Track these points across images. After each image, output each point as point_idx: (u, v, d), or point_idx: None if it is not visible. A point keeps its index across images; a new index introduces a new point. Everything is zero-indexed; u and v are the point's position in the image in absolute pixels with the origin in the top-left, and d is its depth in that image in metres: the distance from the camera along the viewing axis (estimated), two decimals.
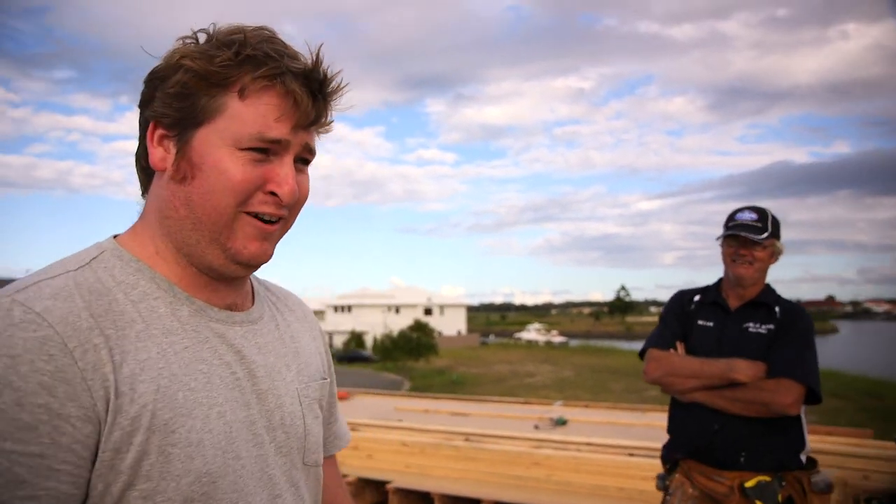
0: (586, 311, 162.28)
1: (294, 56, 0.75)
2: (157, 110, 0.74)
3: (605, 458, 5.29)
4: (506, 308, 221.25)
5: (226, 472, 0.71)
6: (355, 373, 35.16)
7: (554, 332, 78.50)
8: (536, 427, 7.34)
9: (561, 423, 7.70)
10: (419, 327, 42.16)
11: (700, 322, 2.16)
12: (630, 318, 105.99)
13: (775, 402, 1.92)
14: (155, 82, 0.75)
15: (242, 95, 0.72)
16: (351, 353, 45.57)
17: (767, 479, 1.95)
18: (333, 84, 0.77)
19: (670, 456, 2.16)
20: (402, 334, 39.77)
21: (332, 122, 0.81)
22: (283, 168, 0.74)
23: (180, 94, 0.72)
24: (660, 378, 2.14)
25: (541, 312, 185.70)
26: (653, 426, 7.32)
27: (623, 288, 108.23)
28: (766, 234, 2.09)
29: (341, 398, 10.29)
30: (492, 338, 76.21)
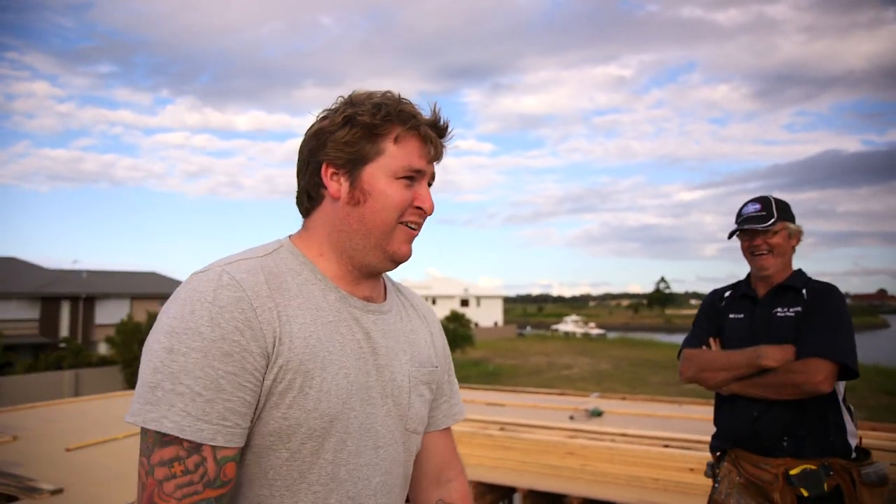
0: (625, 303, 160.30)
1: (419, 112, 1.05)
2: (330, 154, 1.02)
3: (641, 448, 5.28)
4: (543, 300, 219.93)
5: (340, 416, 0.95)
6: None
7: (592, 324, 77.77)
8: (571, 418, 7.35)
9: (596, 414, 7.69)
10: (456, 318, 42.25)
11: (731, 316, 2.18)
12: (670, 311, 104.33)
13: (806, 382, 1.91)
14: (325, 135, 1.03)
15: (397, 141, 1.02)
16: None
17: (813, 467, 1.94)
18: (449, 129, 1.08)
19: (718, 446, 2.19)
20: None
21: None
22: (424, 189, 1.05)
23: (351, 142, 1.01)
24: (693, 376, 2.16)
25: (578, 304, 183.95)
26: (690, 418, 7.26)
27: (663, 280, 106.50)
28: (772, 221, 2.09)
29: None
30: (529, 329, 75.92)
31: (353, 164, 1.01)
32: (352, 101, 1.04)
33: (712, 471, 2.18)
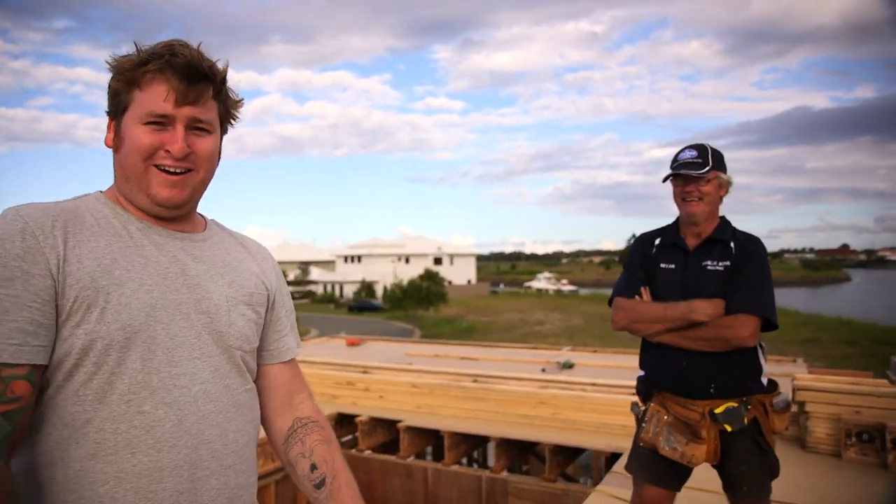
0: (597, 260, 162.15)
1: (181, 53, 1.02)
2: (107, 106, 1.07)
3: (610, 397, 5.45)
4: (516, 257, 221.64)
5: (145, 328, 0.99)
6: (366, 322, 35.65)
7: (564, 281, 78.77)
8: (543, 370, 7.53)
9: (568, 366, 7.88)
10: (429, 276, 42.44)
11: (662, 265, 2.25)
12: None
13: (735, 337, 2.04)
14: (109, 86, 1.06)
15: (142, 87, 1.02)
16: (361, 303, 46.06)
17: (735, 404, 2.10)
18: (212, 69, 1.05)
19: (646, 389, 2.29)
20: (412, 283, 40.01)
21: (238, 100, 1.12)
22: (174, 133, 1.03)
23: (114, 92, 1.04)
24: (626, 325, 2.25)
25: (551, 261, 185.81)
26: None
27: (634, 236, 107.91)
28: (707, 169, 2.14)
29: (353, 344, 10.52)
30: (502, 287, 76.66)
31: (116, 114, 1.05)
32: (139, 47, 1.05)
33: (639, 411, 2.29)
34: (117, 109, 1.05)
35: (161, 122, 1.02)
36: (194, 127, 1.05)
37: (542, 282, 75.23)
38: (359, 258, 62.97)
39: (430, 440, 5.96)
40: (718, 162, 2.19)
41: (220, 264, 1.13)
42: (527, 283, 77.31)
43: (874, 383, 4.78)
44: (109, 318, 0.96)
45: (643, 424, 2.23)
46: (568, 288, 69.65)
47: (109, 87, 1.06)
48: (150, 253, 1.04)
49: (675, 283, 2.19)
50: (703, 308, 2.08)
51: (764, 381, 2.16)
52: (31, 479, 0.95)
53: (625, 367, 7.85)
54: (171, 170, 1.04)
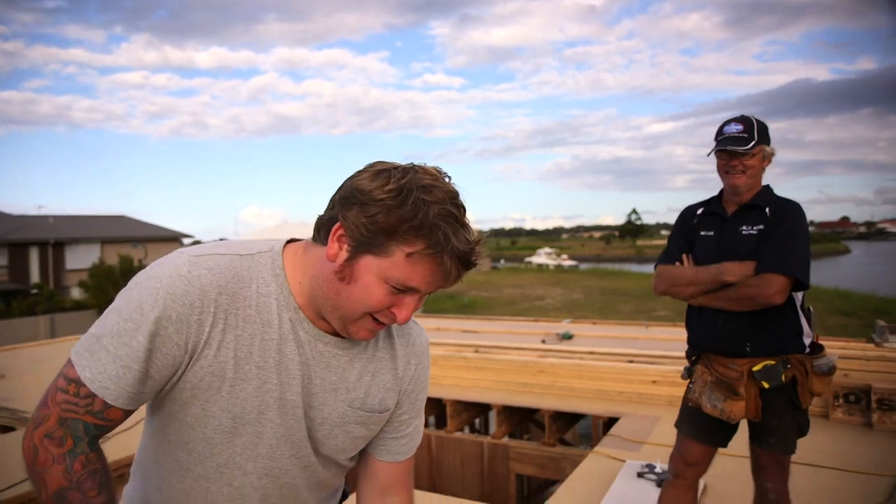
0: (597, 235, 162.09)
1: (460, 234, 0.93)
2: (348, 220, 0.95)
3: (607, 364, 5.60)
4: (516, 233, 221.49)
5: (254, 423, 1.04)
6: None
7: (564, 256, 78.78)
8: (543, 341, 7.68)
9: (567, 337, 8.03)
10: None
11: (702, 233, 2.35)
12: (641, 242, 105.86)
13: (760, 295, 2.12)
14: (359, 197, 0.94)
15: (409, 257, 0.93)
16: None
17: (772, 362, 2.19)
18: (477, 259, 0.97)
19: (691, 352, 2.43)
20: None
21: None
22: (410, 303, 0.98)
23: (370, 227, 0.93)
24: (665, 290, 2.37)
25: (551, 237, 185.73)
26: (655, 339, 7.65)
27: (634, 211, 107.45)
28: (752, 143, 2.21)
29: None
30: (502, 263, 76.67)
31: (358, 244, 0.95)
32: (410, 185, 0.92)
33: (688, 373, 2.43)
34: (366, 243, 0.94)
35: (404, 290, 0.97)
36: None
37: (543, 257, 75.24)
38: None
39: (433, 409, 6.13)
40: (763, 135, 2.25)
41: (350, 379, 1.10)
42: (527, 259, 77.31)
43: (862, 347, 4.94)
44: (224, 405, 1.01)
45: (691, 385, 2.36)
46: (568, 263, 69.68)
47: (370, 213, 0.93)
48: (289, 350, 1.04)
49: (713, 249, 2.29)
50: (733, 269, 2.18)
51: (806, 341, 2.23)
52: (147, 485, 1.13)
53: (622, 337, 8.02)
54: (383, 322, 1.01)
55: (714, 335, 2.28)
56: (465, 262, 0.95)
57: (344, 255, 0.96)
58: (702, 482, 3.42)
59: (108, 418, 0.99)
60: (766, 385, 2.18)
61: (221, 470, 1.07)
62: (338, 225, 0.97)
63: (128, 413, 1.00)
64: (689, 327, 2.42)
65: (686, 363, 2.48)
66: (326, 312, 1.02)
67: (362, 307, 0.98)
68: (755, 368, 2.19)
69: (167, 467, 1.09)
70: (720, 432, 2.32)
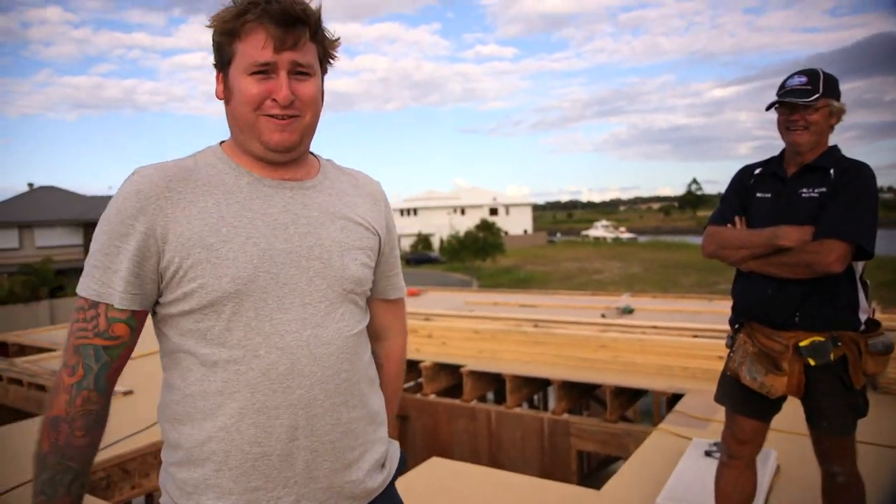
0: (656, 206, 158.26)
1: (276, 0, 1.06)
2: (214, 59, 1.13)
3: (670, 339, 5.46)
4: (572, 206, 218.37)
5: (255, 279, 1.08)
6: (424, 274, 36.05)
7: (622, 228, 77.40)
8: (603, 315, 7.55)
9: (627, 311, 7.88)
10: (486, 227, 42.41)
11: (759, 194, 2.20)
12: (701, 213, 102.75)
13: (818, 262, 1.96)
14: (213, 38, 1.12)
15: (241, 38, 1.08)
16: (419, 255, 46.53)
17: (822, 338, 2.03)
18: (306, 12, 1.08)
19: (735, 319, 2.30)
20: (468, 234, 40.09)
21: (334, 40, 1.17)
22: (278, 81, 1.09)
23: (218, 46, 1.11)
24: (714, 252, 2.23)
25: (608, 209, 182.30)
26: (719, 313, 7.41)
27: (695, 181, 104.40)
28: (816, 96, 2.03)
29: (412, 294, 10.75)
30: (559, 236, 75.92)
31: (222, 67, 1.12)
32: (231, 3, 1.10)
33: (731, 341, 2.31)
34: (223, 62, 1.11)
35: (265, 70, 1.08)
36: (296, 72, 1.10)
37: (600, 230, 74.14)
38: (415, 211, 63.32)
39: (493, 384, 6.13)
40: (830, 89, 2.07)
41: (331, 210, 1.18)
42: (584, 232, 76.33)
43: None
44: (220, 272, 1.05)
45: (731, 354, 2.24)
46: (626, 236, 68.44)
47: (213, 41, 1.12)
48: (257, 206, 1.11)
49: (770, 211, 2.14)
50: (789, 233, 2.02)
51: (862, 317, 2.07)
52: (178, 406, 1.11)
53: (686, 311, 7.80)
54: (280, 116, 1.10)
55: (762, 303, 2.13)
56: (290, 16, 1.06)
57: (222, 83, 1.13)
58: (776, 463, 3.30)
59: (115, 335, 1.06)
60: (811, 362, 2.04)
61: (243, 344, 1.08)
62: (216, 71, 1.14)
63: (132, 330, 1.08)
64: (735, 293, 2.27)
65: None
66: (246, 143, 1.12)
67: (248, 107, 1.09)
68: (802, 343, 2.04)
69: (197, 371, 1.10)
70: (765, 407, 2.19)
